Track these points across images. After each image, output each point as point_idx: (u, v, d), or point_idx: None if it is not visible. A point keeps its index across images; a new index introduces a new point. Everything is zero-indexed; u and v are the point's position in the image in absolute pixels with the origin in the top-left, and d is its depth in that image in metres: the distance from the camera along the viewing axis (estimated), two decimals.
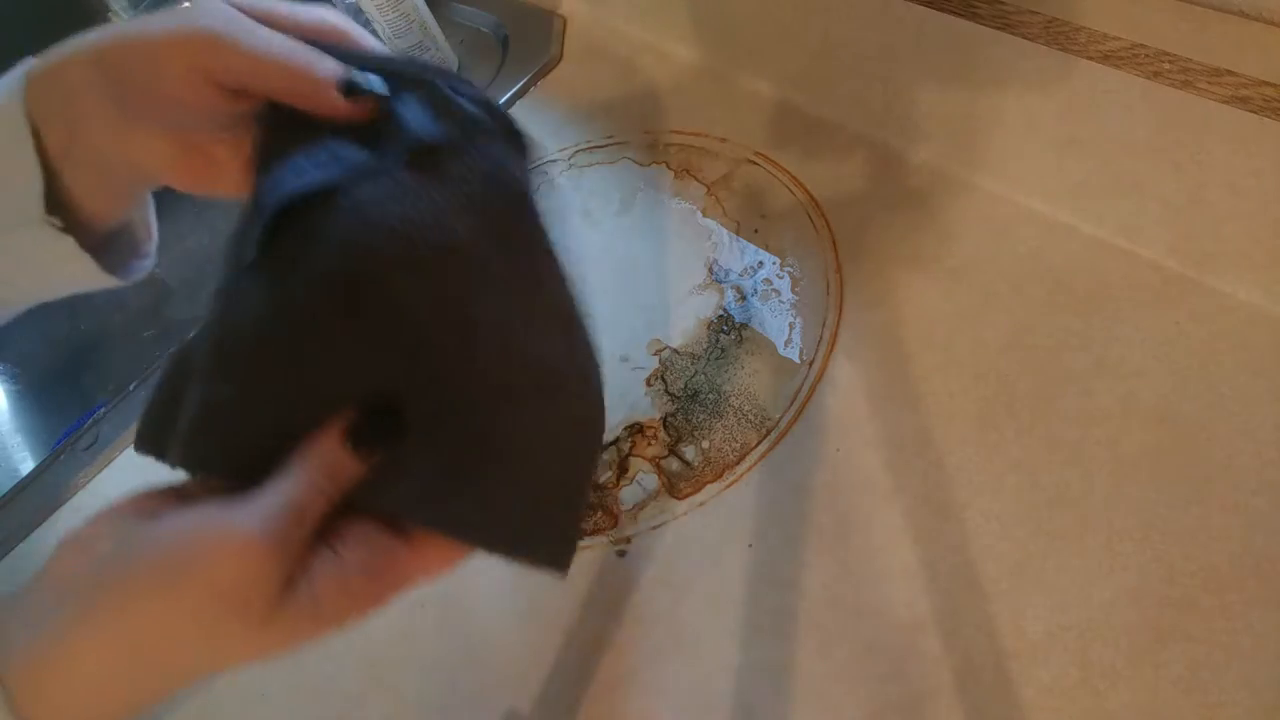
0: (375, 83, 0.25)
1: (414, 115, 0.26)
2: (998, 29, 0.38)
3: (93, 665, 0.19)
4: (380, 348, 0.23)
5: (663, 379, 0.43)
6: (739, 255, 0.46)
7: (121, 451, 0.50)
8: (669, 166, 0.52)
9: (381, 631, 0.39)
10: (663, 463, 0.41)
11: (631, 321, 0.46)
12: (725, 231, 0.48)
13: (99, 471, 0.50)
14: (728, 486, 0.39)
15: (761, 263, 0.46)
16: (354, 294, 0.23)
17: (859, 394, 0.40)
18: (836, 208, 0.46)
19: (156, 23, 0.25)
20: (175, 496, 0.22)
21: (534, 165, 0.27)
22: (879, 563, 0.35)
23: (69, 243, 0.28)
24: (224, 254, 0.25)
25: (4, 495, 0.50)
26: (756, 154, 0.50)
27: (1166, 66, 0.34)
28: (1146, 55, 0.35)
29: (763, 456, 0.39)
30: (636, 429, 0.42)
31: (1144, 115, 0.36)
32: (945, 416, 0.38)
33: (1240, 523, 0.32)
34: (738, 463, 0.39)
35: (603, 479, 0.41)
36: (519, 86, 0.60)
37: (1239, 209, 0.36)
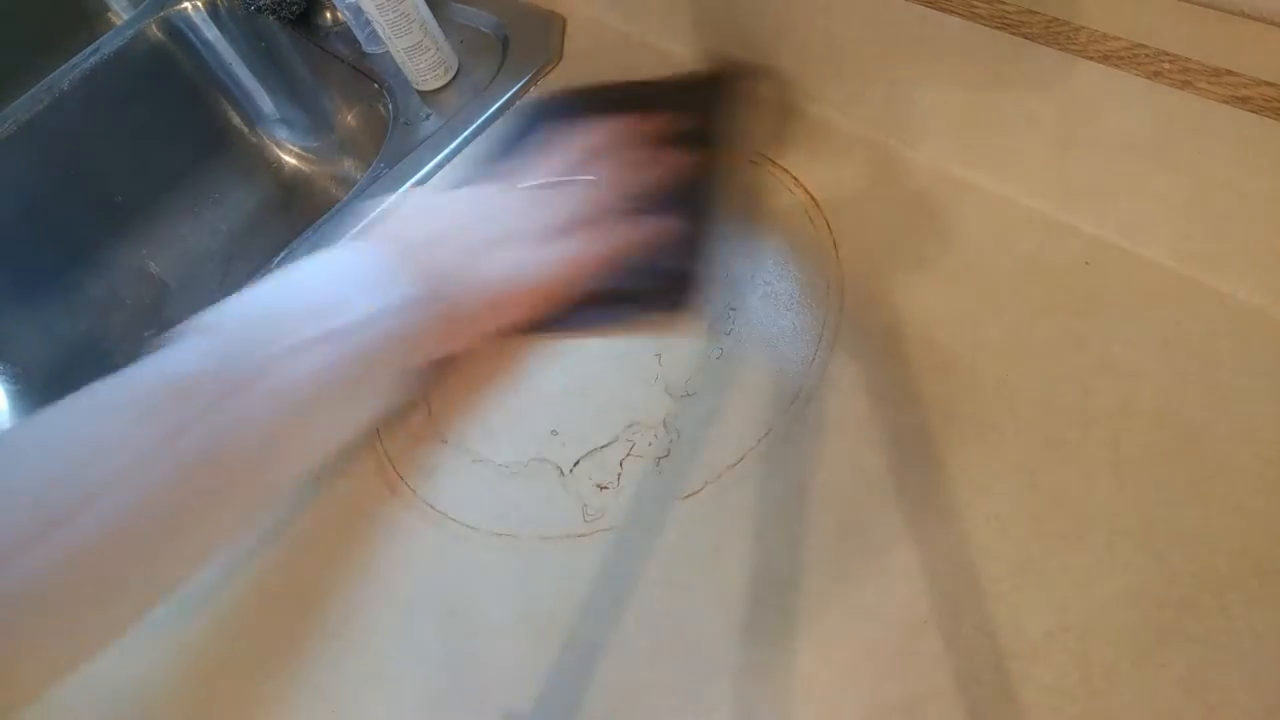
0: None
1: None
2: (998, 29, 0.38)
3: None
4: None
5: (662, 379, 0.43)
6: (739, 255, 0.46)
7: None
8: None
9: (382, 631, 0.39)
10: (662, 462, 0.41)
11: None
12: (725, 231, 0.48)
13: None
14: (727, 486, 0.39)
15: (762, 263, 0.46)
16: None
17: (859, 394, 0.40)
18: (836, 208, 0.46)
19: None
20: None
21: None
22: (879, 563, 0.35)
23: None
24: None
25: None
26: (756, 154, 0.50)
27: (1166, 66, 0.34)
28: (1146, 55, 0.35)
29: (763, 456, 0.39)
30: (636, 429, 0.42)
31: (1144, 115, 0.36)
32: (945, 416, 0.38)
33: (1240, 523, 0.32)
34: (738, 463, 0.39)
35: (603, 479, 0.41)
36: (519, 86, 0.60)
37: (1239, 209, 0.36)
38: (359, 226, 0.55)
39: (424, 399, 0.46)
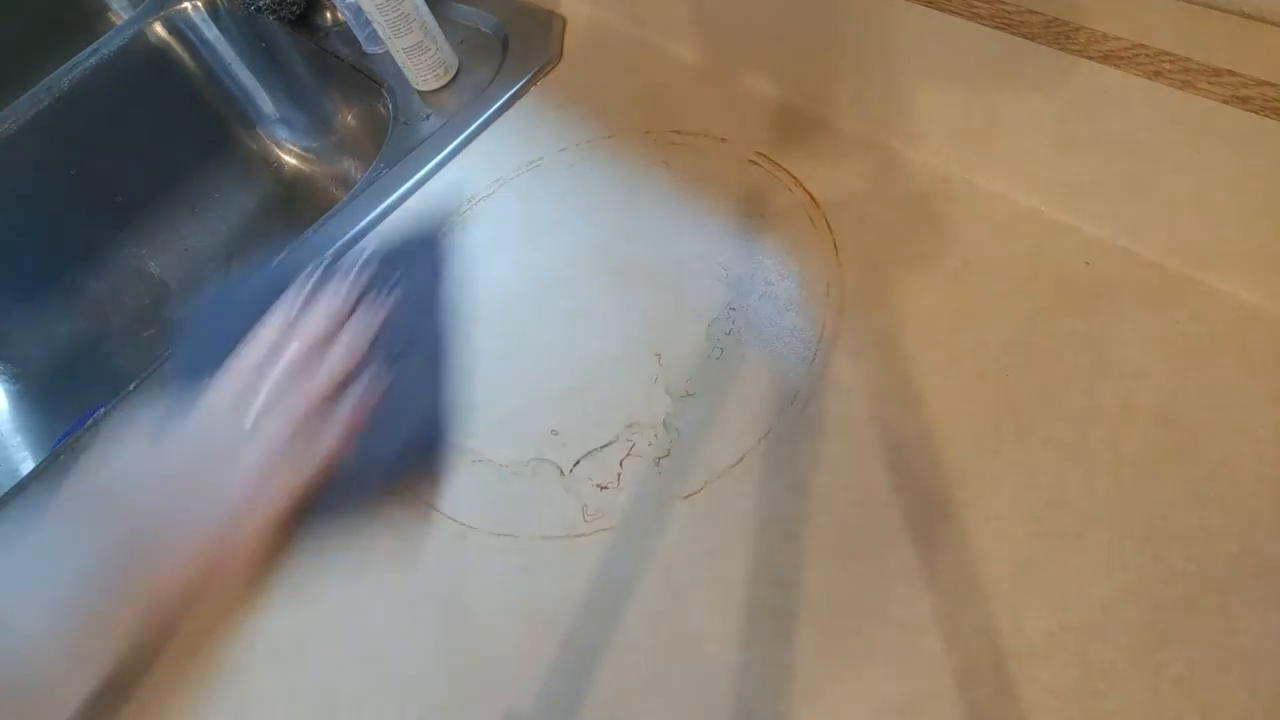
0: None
1: None
2: (998, 29, 0.38)
3: None
4: None
5: (662, 379, 0.43)
6: (739, 255, 0.46)
7: None
8: (669, 166, 0.52)
9: (381, 631, 0.39)
10: (662, 462, 0.41)
11: (631, 321, 0.46)
12: (725, 231, 0.48)
13: None
14: (727, 486, 0.39)
15: (762, 263, 0.46)
16: None
17: (859, 394, 0.40)
18: (836, 208, 0.46)
19: None
20: None
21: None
22: (880, 563, 0.35)
23: None
24: None
25: (4, 495, 0.50)
26: (756, 154, 0.50)
27: (1167, 66, 0.34)
28: (1146, 55, 0.35)
29: (763, 456, 0.39)
30: (636, 429, 0.42)
31: (1144, 115, 0.36)
32: (945, 416, 0.38)
33: (1240, 523, 0.32)
34: (738, 463, 0.39)
35: (603, 479, 0.41)
36: (519, 86, 0.60)
37: (1239, 209, 0.36)
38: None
39: None
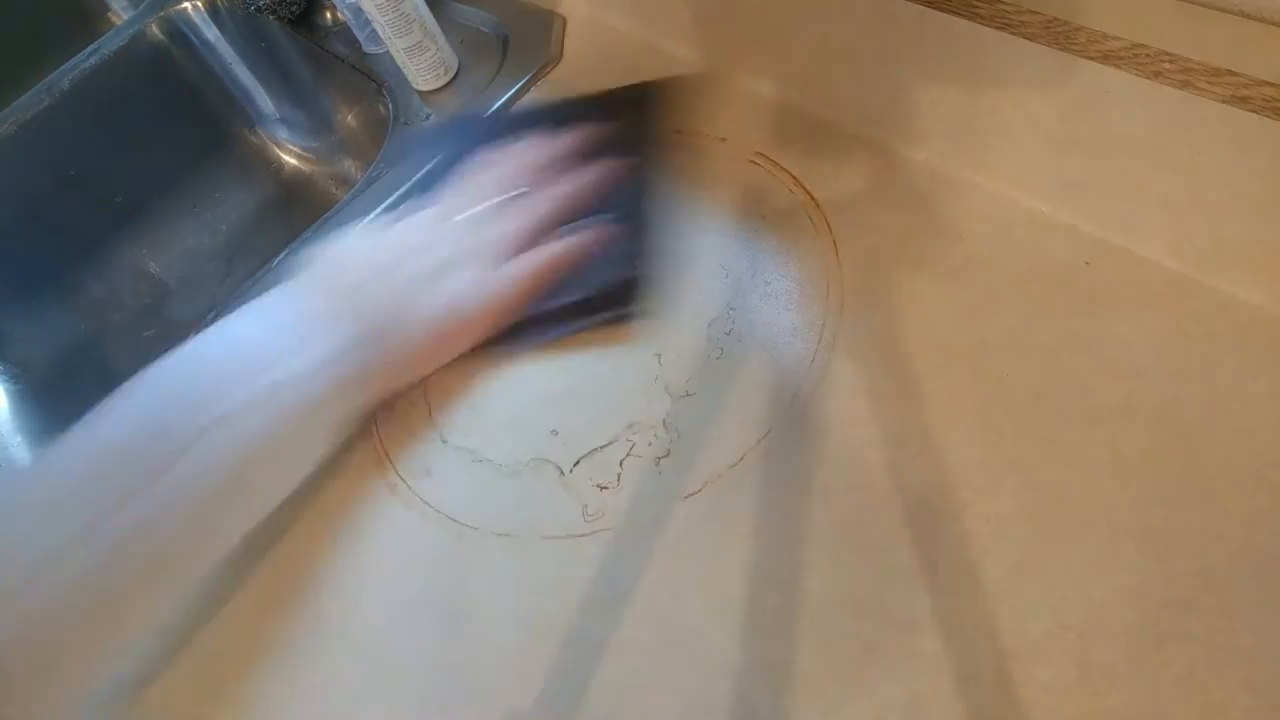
0: None
1: None
2: (998, 29, 0.38)
3: None
4: None
5: (662, 379, 0.43)
6: (739, 255, 0.46)
7: None
8: (669, 166, 0.52)
9: (381, 631, 0.39)
10: (662, 462, 0.41)
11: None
12: (725, 231, 0.48)
13: None
14: (727, 486, 0.39)
15: (762, 263, 0.46)
16: None
17: (859, 394, 0.40)
18: (836, 208, 0.46)
19: None
20: None
21: None
22: (879, 563, 0.35)
23: None
24: None
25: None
26: (756, 154, 0.50)
27: (1167, 66, 0.34)
28: (1146, 55, 0.35)
29: (763, 456, 0.39)
30: (636, 429, 0.42)
31: (1144, 115, 0.36)
32: (945, 416, 0.38)
33: (1240, 523, 0.32)
34: (738, 462, 0.39)
35: (603, 479, 0.41)
36: (519, 86, 0.60)
37: (1239, 209, 0.36)
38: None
39: (423, 398, 0.46)
